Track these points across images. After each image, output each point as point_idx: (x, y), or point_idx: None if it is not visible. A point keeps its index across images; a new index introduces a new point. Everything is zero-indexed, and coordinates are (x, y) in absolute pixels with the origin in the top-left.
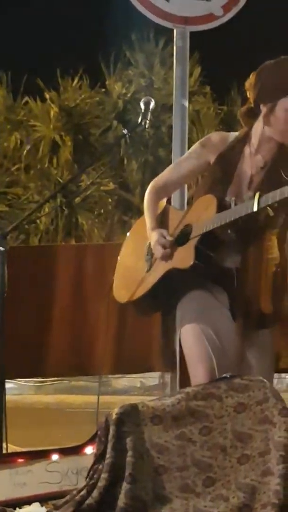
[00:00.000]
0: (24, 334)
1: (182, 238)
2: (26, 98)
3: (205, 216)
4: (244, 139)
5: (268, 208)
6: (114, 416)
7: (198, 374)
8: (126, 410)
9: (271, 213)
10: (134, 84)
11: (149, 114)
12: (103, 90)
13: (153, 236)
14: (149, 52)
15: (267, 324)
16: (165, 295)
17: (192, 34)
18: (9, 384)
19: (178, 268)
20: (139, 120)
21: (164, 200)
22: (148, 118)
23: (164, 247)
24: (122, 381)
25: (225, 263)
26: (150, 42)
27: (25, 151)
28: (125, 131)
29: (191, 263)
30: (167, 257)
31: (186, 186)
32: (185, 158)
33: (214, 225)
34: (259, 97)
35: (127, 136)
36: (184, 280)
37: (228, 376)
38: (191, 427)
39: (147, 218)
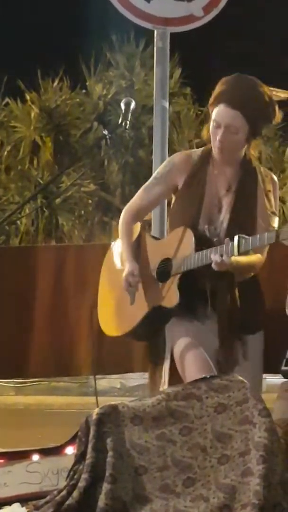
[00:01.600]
0: (4, 335)
1: (162, 274)
2: (7, 99)
3: (183, 251)
4: (207, 158)
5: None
6: (94, 416)
7: None
8: (106, 411)
9: (251, 253)
10: (115, 85)
11: (130, 115)
12: (84, 91)
13: (125, 268)
14: (129, 53)
15: (251, 330)
16: (153, 327)
17: (173, 35)
18: None
19: (163, 306)
20: (120, 121)
21: (139, 226)
22: (129, 119)
23: (130, 285)
24: (102, 382)
25: (205, 286)
26: (131, 43)
27: (5, 152)
28: (105, 132)
29: (176, 302)
30: (147, 287)
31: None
32: (153, 184)
33: (194, 265)
34: (210, 101)
35: (107, 137)
36: (169, 313)
37: (208, 376)
38: (171, 428)
39: (122, 245)
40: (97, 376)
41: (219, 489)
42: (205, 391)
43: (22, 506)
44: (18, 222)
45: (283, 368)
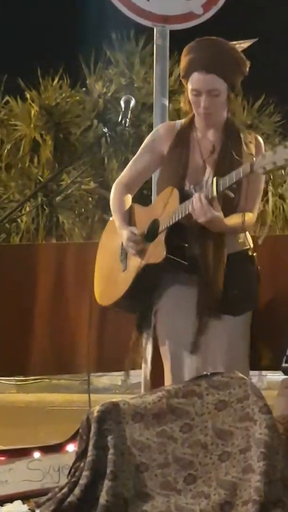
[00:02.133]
0: (5, 333)
1: (151, 234)
2: (7, 98)
3: (169, 208)
4: (190, 125)
5: (227, 191)
6: (95, 414)
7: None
8: (107, 408)
9: (231, 195)
10: (115, 83)
11: (130, 113)
12: (84, 89)
13: (123, 235)
14: (129, 51)
15: (234, 310)
16: (143, 292)
17: (172, 33)
18: None
19: (151, 263)
20: (120, 119)
21: (130, 198)
22: (129, 117)
23: (135, 243)
24: (103, 379)
25: (195, 251)
26: (131, 41)
27: (6, 150)
28: (105, 130)
29: (163, 256)
30: (140, 253)
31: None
32: (140, 155)
33: (179, 216)
34: (182, 73)
35: (107, 135)
36: (159, 276)
37: (208, 373)
38: (172, 425)
39: (115, 217)
40: (98, 374)
41: (220, 486)
42: (206, 388)
43: (24, 503)
44: (19, 220)
45: (284, 365)
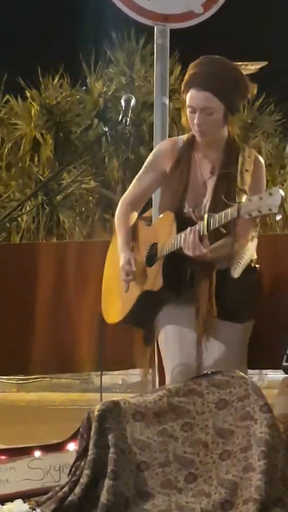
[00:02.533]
0: (5, 332)
1: (150, 259)
2: (7, 97)
3: (167, 235)
4: (192, 143)
5: (220, 228)
6: (96, 412)
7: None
8: (108, 407)
9: (223, 231)
10: (115, 82)
11: (130, 112)
12: (84, 88)
13: (121, 258)
14: (129, 50)
15: (233, 319)
16: (145, 313)
17: (173, 32)
18: None
19: (149, 290)
20: (120, 118)
21: (135, 215)
22: (129, 116)
23: (127, 274)
24: (104, 378)
25: (187, 270)
26: (131, 40)
27: (6, 149)
28: (106, 129)
29: (160, 286)
30: (138, 275)
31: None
32: (143, 172)
33: (174, 246)
34: (182, 88)
35: (108, 134)
36: (157, 297)
37: (209, 372)
38: (173, 424)
39: (118, 236)
40: (98, 373)
41: (220, 485)
42: (206, 387)
43: (25, 502)
44: (19, 219)
45: (284, 363)
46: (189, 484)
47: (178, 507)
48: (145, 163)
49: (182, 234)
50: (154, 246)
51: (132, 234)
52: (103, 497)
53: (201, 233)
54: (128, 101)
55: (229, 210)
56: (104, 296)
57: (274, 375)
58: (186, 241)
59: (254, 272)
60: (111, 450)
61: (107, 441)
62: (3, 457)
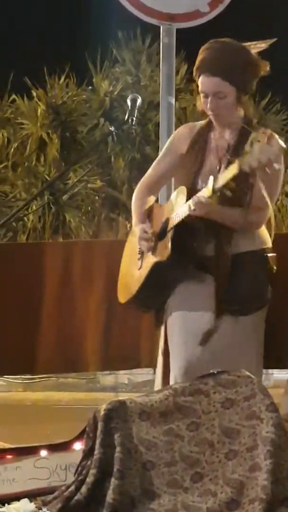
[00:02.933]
0: (12, 331)
1: (162, 232)
2: (13, 96)
3: (177, 207)
4: (209, 125)
5: (226, 190)
6: (102, 412)
7: (174, 366)
8: (114, 406)
9: (228, 193)
10: (121, 81)
11: (136, 111)
12: (90, 87)
13: (137, 232)
14: (135, 49)
15: (240, 309)
16: (155, 289)
17: (179, 31)
18: None
19: (159, 261)
20: (126, 117)
21: (152, 199)
22: (135, 116)
23: (147, 240)
24: (110, 378)
25: (206, 251)
26: (137, 40)
27: (12, 149)
28: (112, 129)
29: (168, 254)
30: (152, 251)
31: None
32: (162, 156)
33: (182, 214)
34: (194, 74)
35: (114, 133)
36: (170, 273)
37: (215, 372)
38: (179, 423)
39: (133, 216)
40: (104, 372)
41: (227, 484)
42: (213, 386)
43: (31, 501)
44: (25, 218)
45: None
46: (195, 483)
47: (184, 506)
48: (164, 148)
49: (190, 201)
50: (166, 220)
51: (148, 217)
52: (109, 496)
53: (207, 195)
54: (134, 101)
55: (230, 166)
56: (119, 280)
57: (280, 374)
58: (193, 202)
59: (264, 261)
60: (117, 449)
61: (113, 441)
62: (9, 456)
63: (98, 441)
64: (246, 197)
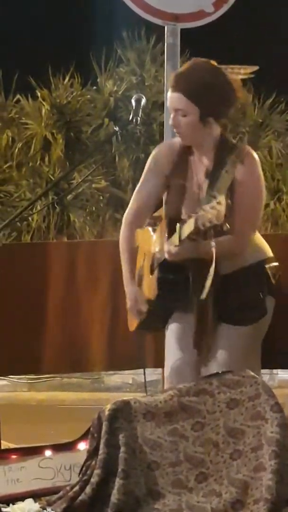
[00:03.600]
0: (16, 331)
1: (151, 267)
2: (18, 96)
3: (160, 245)
4: (189, 147)
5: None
6: (106, 412)
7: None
8: (118, 406)
9: (200, 240)
10: (125, 81)
11: (140, 111)
12: (95, 87)
13: (127, 296)
14: (140, 49)
15: (236, 321)
16: (152, 320)
17: (183, 31)
18: (1, 381)
19: (149, 299)
20: (130, 117)
21: (139, 232)
22: (139, 115)
23: (138, 313)
24: (115, 377)
25: (190, 283)
26: (141, 40)
27: (17, 149)
28: (116, 129)
29: (155, 294)
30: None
31: None
32: (142, 182)
33: (161, 257)
34: None
35: (118, 133)
36: (160, 305)
37: (220, 372)
38: (184, 423)
39: (122, 264)
40: (109, 372)
41: (231, 484)
42: (217, 386)
43: (35, 501)
44: (30, 218)
45: None
46: (199, 483)
47: (189, 506)
48: (145, 170)
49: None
50: (153, 255)
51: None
52: (114, 496)
53: (176, 244)
54: (138, 101)
55: (188, 222)
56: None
57: (285, 374)
58: (165, 251)
59: (262, 274)
60: (122, 449)
61: (117, 441)
62: (14, 457)
63: (102, 441)
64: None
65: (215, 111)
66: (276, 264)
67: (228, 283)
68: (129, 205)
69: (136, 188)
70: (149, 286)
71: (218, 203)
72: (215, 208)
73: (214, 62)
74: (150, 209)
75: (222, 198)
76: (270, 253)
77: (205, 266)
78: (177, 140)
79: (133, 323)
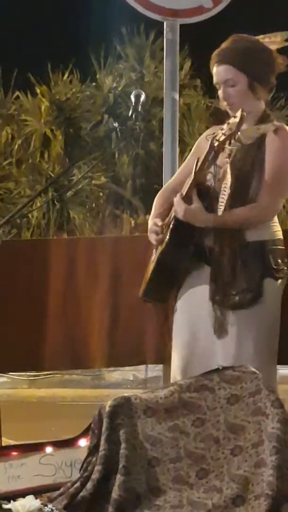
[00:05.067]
0: (16, 328)
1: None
2: (17, 93)
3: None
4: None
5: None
6: (107, 408)
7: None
8: (119, 403)
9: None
10: (125, 77)
11: (140, 107)
12: (94, 84)
13: (148, 225)
14: (139, 45)
15: (243, 304)
16: (163, 280)
17: (182, 27)
18: (2, 378)
19: (161, 250)
20: (130, 113)
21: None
22: (139, 111)
23: (156, 233)
24: (115, 374)
25: (205, 241)
26: (141, 36)
27: (16, 146)
28: (116, 125)
29: (167, 242)
30: (161, 243)
31: None
32: (188, 157)
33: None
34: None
35: (118, 129)
36: (173, 262)
37: (220, 367)
38: (184, 419)
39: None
40: (110, 369)
41: (232, 480)
42: (218, 382)
43: (36, 498)
44: (30, 215)
45: None
46: (200, 479)
47: (190, 502)
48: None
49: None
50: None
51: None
52: (115, 492)
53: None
54: (138, 97)
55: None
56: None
57: (286, 370)
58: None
59: (266, 253)
60: (123, 445)
61: (118, 437)
62: (14, 453)
63: (103, 438)
64: (248, 195)
65: (261, 77)
66: (282, 247)
67: (237, 256)
68: (173, 176)
69: (183, 163)
70: (164, 239)
71: (234, 117)
72: (230, 122)
73: None
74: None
75: (238, 112)
76: (277, 236)
77: (224, 235)
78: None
79: (141, 286)
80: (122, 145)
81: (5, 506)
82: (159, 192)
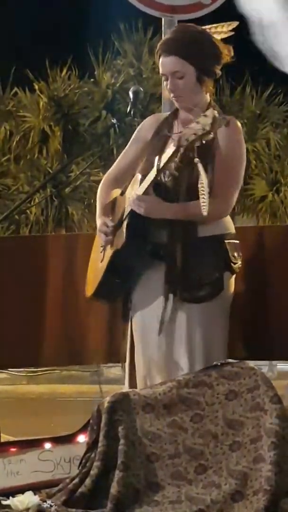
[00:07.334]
0: (15, 324)
1: (120, 221)
2: (15, 89)
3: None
4: (175, 114)
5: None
6: (106, 404)
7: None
8: (118, 399)
9: (175, 174)
10: (123, 74)
11: (138, 103)
12: (92, 80)
13: (97, 225)
14: (137, 41)
15: (192, 296)
16: (117, 279)
17: (181, 23)
18: (1, 375)
19: (115, 250)
20: (128, 109)
21: (118, 191)
22: (137, 108)
23: (105, 234)
24: (114, 370)
25: (159, 238)
26: (139, 32)
27: (14, 142)
28: (114, 121)
29: (123, 242)
30: (111, 243)
31: None
32: (128, 147)
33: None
34: (156, 59)
35: (116, 125)
36: (128, 261)
37: (218, 363)
38: (183, 415)
39: (97, 208)
40: (108, 365)
41: (231, 476)
42: (216, 378)
43: (35, 494)
44: (28, 211)
45: None
46: (199, 475)
47: (188, 498)
48: (131, 139)
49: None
50: (123, 210)
51: (113, 209)
52: (113, 488)
53: (153, 176)
54: (136, 93)
55: (168, 150)
56: (88, 275)
57: (284, 366)
58: (129, 202)
59: (221, 248)
60: (121, 441)
61: (117, 433)
62: (13, 449)
63: (102, 434)
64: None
65: (209, 69)
66: (236, 241)
67: (191, 251)
68: (113, 165)
69: (122, 153)
70: (117, 238)
71: (204, 115)
72: (200, 122)
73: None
74: (130, 172)
75: (209, 111)
76: (232, 229)
77: (176, 231)
78: (165, 113)
79: (90, 287)
80: (120, 141)
81: (4, 502)
82: (101, 184)
